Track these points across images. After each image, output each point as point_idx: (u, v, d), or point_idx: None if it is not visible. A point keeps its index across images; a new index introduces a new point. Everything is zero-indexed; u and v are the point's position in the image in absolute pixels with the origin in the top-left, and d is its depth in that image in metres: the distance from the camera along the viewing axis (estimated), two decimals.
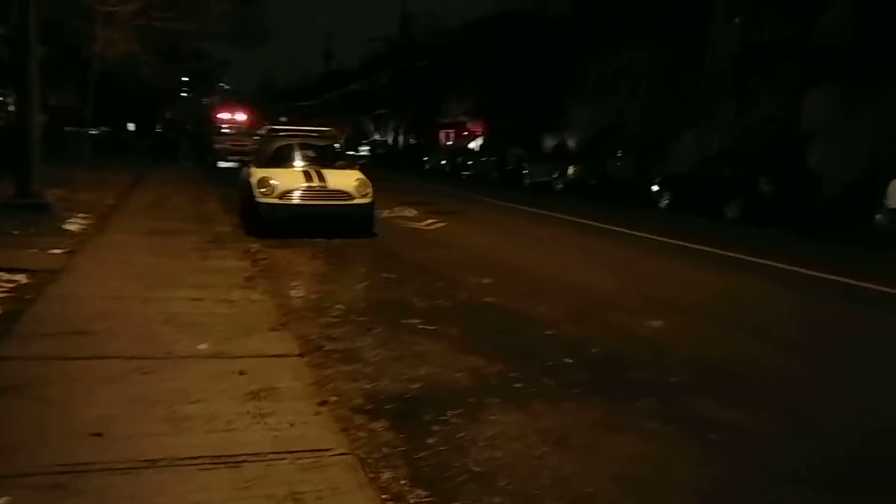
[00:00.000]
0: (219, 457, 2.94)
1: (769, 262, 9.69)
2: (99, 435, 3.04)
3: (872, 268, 9.65)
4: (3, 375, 3.72)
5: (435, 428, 3.65)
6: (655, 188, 18.95)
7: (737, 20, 21.65)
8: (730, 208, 15.74)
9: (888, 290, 8.06)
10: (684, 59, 24.12)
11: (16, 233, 7.90)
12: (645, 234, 12.45)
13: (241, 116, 34.67)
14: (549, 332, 5.67)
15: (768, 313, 6.95)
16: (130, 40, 17.60)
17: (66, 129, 20.52)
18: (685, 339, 5.77)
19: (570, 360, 4.90)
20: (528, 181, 25.54)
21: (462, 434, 3.60)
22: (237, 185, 12.51)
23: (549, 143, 33.78)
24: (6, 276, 5.96)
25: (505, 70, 35.17)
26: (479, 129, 40.28)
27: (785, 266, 9.47)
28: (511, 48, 34.43)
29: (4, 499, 2.51)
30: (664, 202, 18.30)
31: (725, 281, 8.57)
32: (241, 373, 3.98)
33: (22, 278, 5.97)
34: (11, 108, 14.07)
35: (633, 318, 6.29)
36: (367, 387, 4.19)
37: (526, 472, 3.22)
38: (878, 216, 12.69)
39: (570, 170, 23.57)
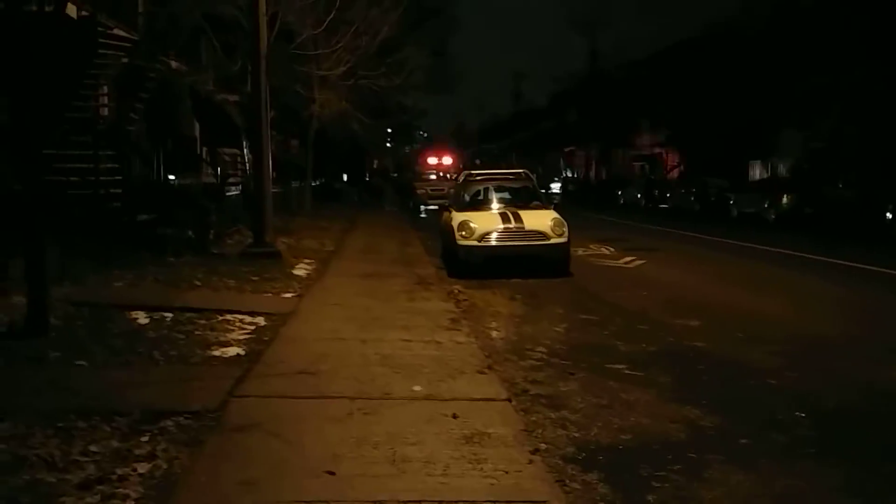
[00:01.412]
0: (437, 501, 3.02)
1: None
2: (332, 473, 3.26)
3: None
4: (246, 412, 4.15)
5: (654, 484, 3.46)
6: (890, 216, 16.83)
7: None
8: None
9: None
10: None
11: (255, 278, 8.87)
12: (881, 269, 11.04)
13: (445, 160, 36.19)
14: (771, 382, 5.20)
15: None
16: (342, 99, 19.37)
17: (292, 183, 22.89)
18: None
19: (802, 414, 4.44)
20: (734, 212, 23.94)
21: (684, 492, 3.38)
22: (437, 228, 13.10)
23: (755, 170, 31.54)
24: (249, 318, 6.70)
25: (700, 96, 33.57)
26: (675, 160, 38.70)
27: None
28: (705, 72, 32.81)
29: None
30: None
31: None
32: (454, 416, 4.09)
33: (261, 321, 6.68)
34: (247, 165, 15.97)
35: (872, 366, 5.57)
36: (577, 435, 4.10)
37: None
38: None
39: (784, 198, 21.71)
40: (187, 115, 17.31)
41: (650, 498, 3.33)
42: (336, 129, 23.61)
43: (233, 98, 15.22)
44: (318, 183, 29.55)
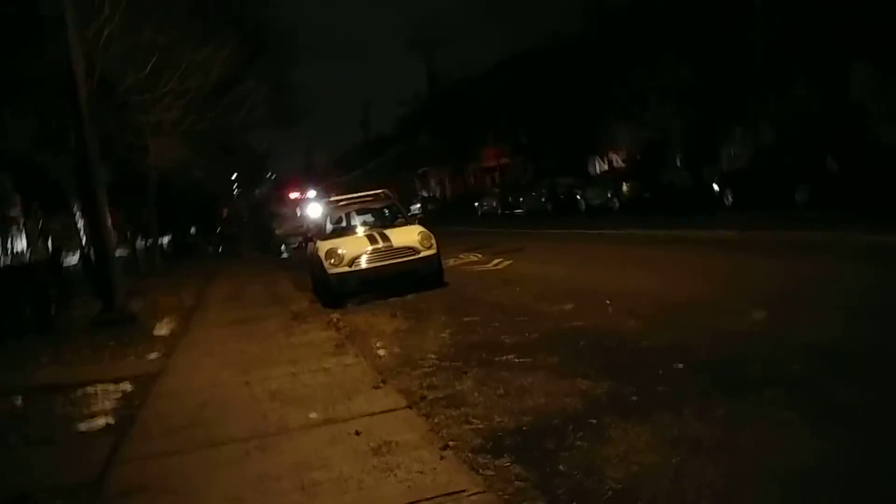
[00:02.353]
0: None
1: (852, 238, 9.28)
2: None
3: None
4: (129, 478, 3.80)
5: (563, 454, 3.54)
6: (716, 188, 18.52)
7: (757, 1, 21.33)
8: (799, 194, 15.17)
9: None
10: (720, 58, 23.79)
11: (111, 344, 8.22)
12: (712, 234, 12.11)
13: (300, 196, 35.69)
14: (647, 343, 5.50)
15: (866, 289, 6.61)
16: (180, 146, 18.51)
17: (137, 243, 21.54)
18: (790, 328, 5.51)
19: (680, 366, 4.73)
20: (583, 206, 25.34)
21: (591, 455, 3.48)
22: (303, 264, 12.80)
23: (596, 165, 33.59)
24: (113, 386, 6.18)
25: (537, 103, 35.38)
26: (523, 167, 40.42)
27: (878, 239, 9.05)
28: (539, 81, 34.70)
29: None
30: (728, 200, 17.84)
31: (812, 265, 8.22)
32: (357, 433, 3.97)
33: (127, 386, 6.19)
34: (81, 230, 14.83)
35: (730, 316, 6.05)
36: (481, 427, 4.12)
37: (669, 481, 3.08)
38: None
39: (624, 187, 23.29)
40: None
41: (562, 467, 3.39)
42: (179, 179, 22.56)
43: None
44: (166, 239, 27.97)
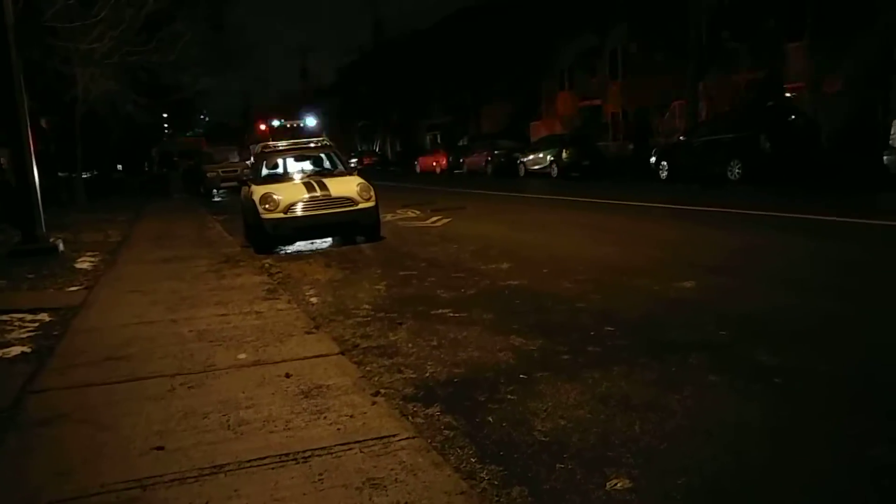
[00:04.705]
0: (286, 455, 2.87)
1: (782, 215, 9.66)
2: (161, 448, 2.97)
3: (888, 207, 9.60)
4: (48, 406, 3.65)
5: (492, 406, 3.58)
6: (653, 160, 18.94)
7: None
8: (731, 170, 15.72)
9: None
10: (663, 30, 24.11)
11: (30, 276, 7.82)
12: (648, 204, 12.42)
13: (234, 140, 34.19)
14: (581, 305, 5.60)
15: (791, 261, 6.91)
16: (109, 78, 17.54)
17: (60, 174, 20.45)
18: (719, 296, 5.71)
19: (612, 328, 4.84)
20: (523, 171, 25.50)
21: (521, 408, 3.53)
22: (238, 208, 12.44)
23: (538, 131, 33.79)
24: (30, 316, 5.88)
25: (481, 63, 35.12)
26: (465, 127, 40.27)
27: (802, 216, 9.44)
28: (483, 40, 34.39)
29: None
30: (663, 173, 18.29)
31: (741, 237, 8.53)
32: (288, 375, 3.91)
33: (45, 317, 5.90)
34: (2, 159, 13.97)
35: (661, 282, 6.22)
36: (414, 376, 4.12)
37: (595, 435, 3.16)
38: (885, 157, 12.65)
39: (564, 154, 23.53)
40: None
41: (490, 418, 3.43)
42: (108, 114, 21.43)
43: None
44: (91, 175, 26.64)
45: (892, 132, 12.77)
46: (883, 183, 12.59)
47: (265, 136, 25.14)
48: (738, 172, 15.58)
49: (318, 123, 31.92)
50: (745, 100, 23.22)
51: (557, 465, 2.90)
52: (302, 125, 31.14)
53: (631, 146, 26.66)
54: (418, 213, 13.92)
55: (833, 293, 5.55)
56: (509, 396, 3.71)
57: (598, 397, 3.61)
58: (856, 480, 2.66)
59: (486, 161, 29.01)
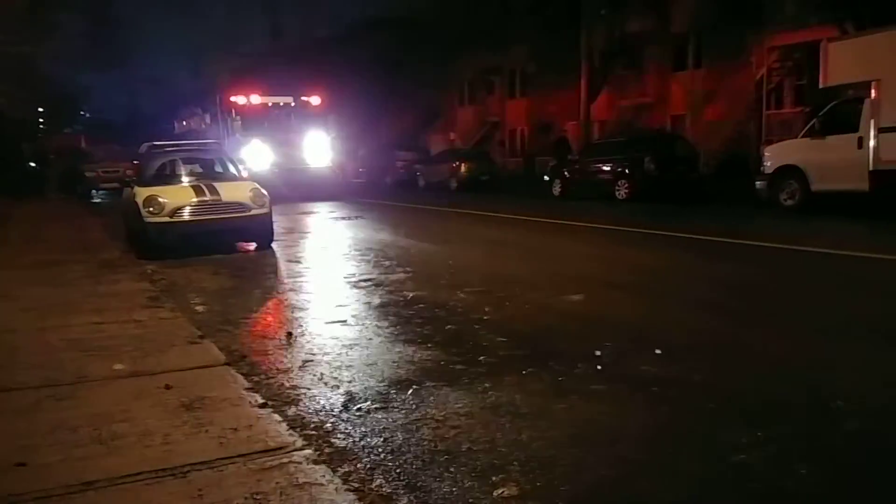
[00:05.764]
0: (163, 470, 2.72)
1: (667, 233, 10.22)
2: (23, 465, 2.73)
3: (761, 229, 10.36)
4: None
5: (383, 416, 3.54)
6: (546, 178, 19.61)
7: (603, 12, 22.71)
8: (619, 190, 16.51)
9: (769, 245, 8.69)
10: (559, 54, 25.03)
11: None
12: (542, 220, 12.81)
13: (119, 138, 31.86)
14: (475, 317, 5.66)
15: (674, 277, 7.30)
16: None
17: None
18: (607, 309, 5.94)
19: (504, 339, 4.92)
20: (422, 183, 25.66)
21: (413, 417, 3.51)
22: (119, 210, 11.77)
23: (437, 144, 34.12)
24: None
25: (383, 77, 35.16)
26: (365, 137, 40.08)
27: (684, 235, 10.01)
28: (387, 55, 34.51)
29: None
30: (556, 190, 18.95)
31: (630, 253, 8.94)
32: (168, 387, 3.71)
33: None
34: None
35: (552, 295, 6.40)
36: (303, 387, 4.02)
37: (484, 444, 3.19)
38: (757, 183, 13.66)
39: (462, 168, 23.89)
40: None
41: (381, 429, 3.39)
42: None
43: None
44: None
45: (763, 160, 13.82)
46: (754, 206, 13.61)
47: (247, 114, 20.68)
48: (624, 192, 16.40)
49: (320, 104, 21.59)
50: (632, 124, 24.54)
51: (446, 475, 2.90)
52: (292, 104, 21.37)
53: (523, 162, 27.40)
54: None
55: (712, 308, 5.90)
56: (401, 406, 3.69)
57: (489, 406, 3.65)
58: (721, 482, 2.83)
59: (386, 172, 28.97)
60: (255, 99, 20.68)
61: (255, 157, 18.64)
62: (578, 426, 3.38)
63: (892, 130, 11.59)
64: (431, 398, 3.79)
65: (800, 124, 15.79)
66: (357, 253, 9.55)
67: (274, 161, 19.25)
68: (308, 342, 4.99)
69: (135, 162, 13.03)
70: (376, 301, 6.39)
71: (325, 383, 4.08)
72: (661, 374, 4.08)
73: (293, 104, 21.27)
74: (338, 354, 4.66)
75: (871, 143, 11.88)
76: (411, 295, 6.59)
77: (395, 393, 3.87)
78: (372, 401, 3.76)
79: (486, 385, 3.97)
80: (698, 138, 20.80)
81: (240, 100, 20.60)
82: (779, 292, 6.57)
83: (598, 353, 4.54)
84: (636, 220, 12.41)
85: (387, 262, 8.54)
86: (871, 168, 11.81)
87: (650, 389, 3.84)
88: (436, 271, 7.84)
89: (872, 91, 11.88)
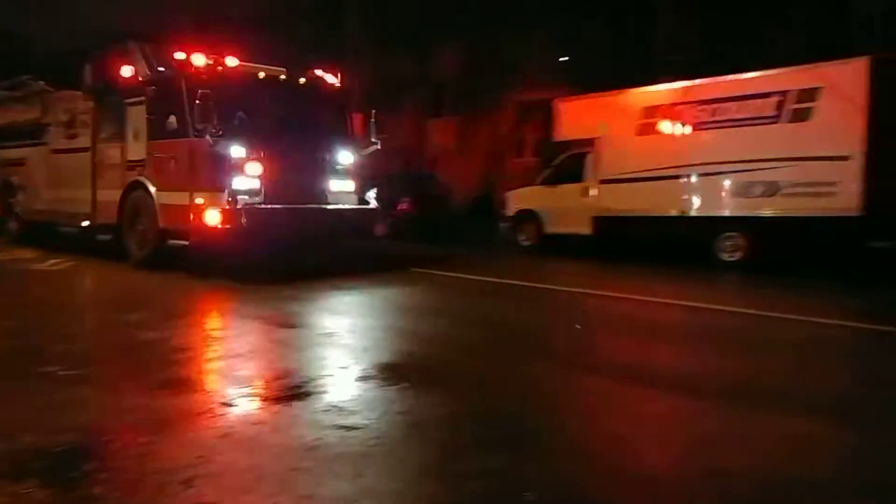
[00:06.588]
0: None
1: (423, 270, 10.67)
2: None
3: (497, 267, 11.22)
4: None
5: (102, 476, 3.13)
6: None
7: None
8: (376, 227, 16.97)
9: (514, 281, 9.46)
10: None
11: None
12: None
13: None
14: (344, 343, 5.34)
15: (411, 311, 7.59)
16: None
17: None
18: (385, 344, 5.96)
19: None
20: None
21: (135, 475, 3.15)
22: None
23: None
24: None
25: None
26: None
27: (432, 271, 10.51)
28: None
29: None
30: None
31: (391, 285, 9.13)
32: None
33: None
34: None
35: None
36: (7, 448, 3.43)
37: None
38: (501, 224, 14.92)
39: None
40: None
41: (96, 490, 2.99)
42: None
43: None
44: None
45: (506, 204, 15.17)
46: (499, 245, 14.88)
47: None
48: (381, 230, 16.99)
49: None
50: (393, 167, 25.40)
51: None
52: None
53: None
54: (36, 254, 12.02)
55: (460, 344, 6.17)
56: (123, 464, 3.29)
57: (231, 444, 3.42)
58: None
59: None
60: (231, 62, 9.85)
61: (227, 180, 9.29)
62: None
63: (611, 182, 13.40)
64: (154, 449, 3.44)
65: (537, 173, 17.59)
66: (82, 288, 8.54)
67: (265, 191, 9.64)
68: (7, 393, 4.28)
69: None
70: (103, 342, 5.73)
71: (33, 441, 3.51)
72: (415, 404, 4.14)
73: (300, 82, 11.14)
74: (49, 406, 4.06)
75: (593, 192, 13.64)
76: (147, 337, 6.03)
77: (119, 448, 3.45)
78: (90, 459, 3.31)
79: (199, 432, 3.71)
80: (452, 181, 22.22)
81: (197, 61, 9.62)
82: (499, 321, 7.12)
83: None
84: (394, 253, 12.74)
85: (118, 302, 7.73)
86: (593, 214, 13.53)
87: (396, 418, 3.87)
88: (168, 307, 7.27)
89: (594, 147, 13.69)
